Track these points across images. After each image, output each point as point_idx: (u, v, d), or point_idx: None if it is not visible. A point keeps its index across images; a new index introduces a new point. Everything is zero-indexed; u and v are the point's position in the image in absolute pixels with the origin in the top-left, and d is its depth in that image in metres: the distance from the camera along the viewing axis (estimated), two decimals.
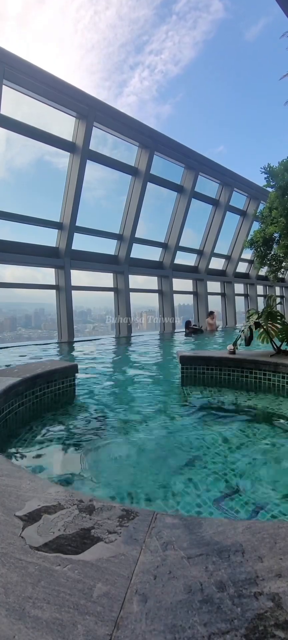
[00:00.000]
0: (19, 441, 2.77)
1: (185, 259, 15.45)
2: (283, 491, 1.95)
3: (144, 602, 0.78)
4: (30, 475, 1.49)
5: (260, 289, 20.03)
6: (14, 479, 1.39)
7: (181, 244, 14.13)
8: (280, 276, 16.77)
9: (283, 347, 4.50)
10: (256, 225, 14.47)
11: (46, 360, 5.28)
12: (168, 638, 0.70)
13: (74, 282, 11.14)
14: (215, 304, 16.51)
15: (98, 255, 12.16)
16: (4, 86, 8.39)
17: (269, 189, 11.81)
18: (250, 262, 18.30)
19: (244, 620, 0.72)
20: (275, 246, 12.61)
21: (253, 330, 4.45)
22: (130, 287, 12.71)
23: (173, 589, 0.81)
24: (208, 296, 16.01)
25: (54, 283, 11.09)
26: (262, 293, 20.15)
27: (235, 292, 17.82)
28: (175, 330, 13.75)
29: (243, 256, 17.54)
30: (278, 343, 4.55)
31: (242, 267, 18.88)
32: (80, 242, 11.35)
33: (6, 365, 5.16)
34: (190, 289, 15.86)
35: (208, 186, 15.01)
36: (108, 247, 12.54)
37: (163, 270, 14.05)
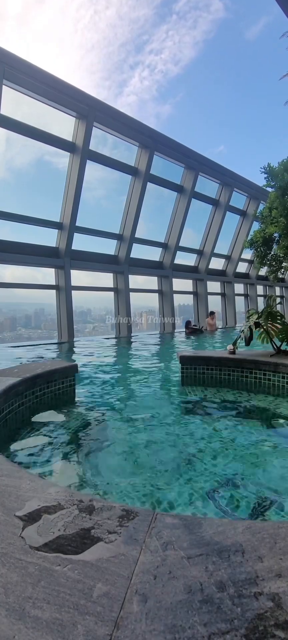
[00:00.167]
0: (19, 441, 2.77)
1: (185, 259, 15.48)
2: (283, 491, 1.95)
3: (144, 602, 0.78)
4: (30, 475, 1.49)
5: (260, 289, 20.03)
6: (14, 479, 1.39)
7: (181, 244, 14.13)
8: (280, 276, 16.77)
9: (283, 347, 4.50)
10: (256, 226, 14.47)
11: (46, 360, 5.28)
12: (168, 638, 0.70)
13: (73, 282, 11.14)
14: (215, 304, 16.53)
15: (98, 255, 12.16)
16: (4, 86, 8.39)
17: (269, 189, 11.81)
18: (250, 262, 18.30)
19: (244, 620, 0.72)
20: (275, 246, 12.60)
21: (253, 330, 4.45)
22: (130, 287, 12.71)
23: (173, 589, 0.81)
24: (208, 296, 16.01)
25: (54, 283, 11.09)
26: (262, 293, 20.15)
27: (235, 292, 17.82)
28: (175, 330, 13.76)
29: (243, 256, 17.55)
30: (278, 343, 4.55)
31: (242, 267, 18.89)
32: (80, 242, 11.37)
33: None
34: (190, 289, 15.86)
35: (208, 186, 15.02)
36: (108, 247, 12.56)
37: (163, 270, 14.05)
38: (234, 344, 4.50)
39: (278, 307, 8.62)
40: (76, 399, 3.96)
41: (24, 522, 1.10)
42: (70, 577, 0.86)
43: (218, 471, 2.18)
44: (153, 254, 14.10)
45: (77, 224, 10.79)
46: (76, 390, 4.05)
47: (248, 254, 17.42)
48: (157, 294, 14.33)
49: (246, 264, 19.12)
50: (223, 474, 2.15)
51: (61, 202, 10.67)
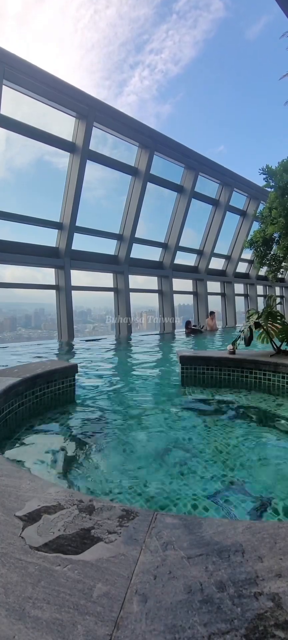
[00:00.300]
0: (19, 441, 2.76)
1: (185, 259, 15.48)
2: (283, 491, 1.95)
3: (144, 602, 0.78)
4: (30, 475, 1.49)
5: (260, 289, 20.02)
6: (14, 479, 1.39)
7: (181, 244, 14.13)
8: (280, 276, 16.77)
9: (283, 347, 4.50)
10: (256, 226, 14.47)
11: (46, 360, 5.28)
12: (168, 638, 0.70)
13: (73, 282, 11.14)
14: (215, 304, 16.53)
15: (98, 255, 12.16)
16: (4, 86, 8.39)
17: (269, 189, 11.81)
18: (250, 262, 18.30)
19: (244, 621, 0.72)
20: (274, 246, 12.60)
21: (253, 330, 4.45)
22: (130, 287, 12.71)
23: (173, 589, 0.81)
24: (208, 296, 16.01)
25: (54, 283, 11.09)
26: (262, 293, 20.15)
27: (235, 292, 17.82)
28: (175, 330, 13.76)
29: (243, 256, 17.54)
30: (278, 343, 4.55)
31: (242, 267, 18.89)
32: (80, 242, 11.37)
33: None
34: (190, 289, 15.86)
35: (208, 186, 15.02)
36: (108, 247, 12.56)
37: (163, 270, 14.05)
38: (234, 343, 4.50)
39: (278, 307, 8.61)
40: (76, 399, 3.96)
41: (24, 522, 1.10)
42: (70, 577, 0.86)
43: (218, 471, 2.18)
44: (153, 254, 14.12)
45: (77, 224, 10.79)
46: (76, 391, 4.05)
47: (248, 254, 17.41)
48: (157, 294, 14.33)
49: (246, 264, 19.12)
50: (224, 474, 2.15)
51: (61, 202, 10.66)
